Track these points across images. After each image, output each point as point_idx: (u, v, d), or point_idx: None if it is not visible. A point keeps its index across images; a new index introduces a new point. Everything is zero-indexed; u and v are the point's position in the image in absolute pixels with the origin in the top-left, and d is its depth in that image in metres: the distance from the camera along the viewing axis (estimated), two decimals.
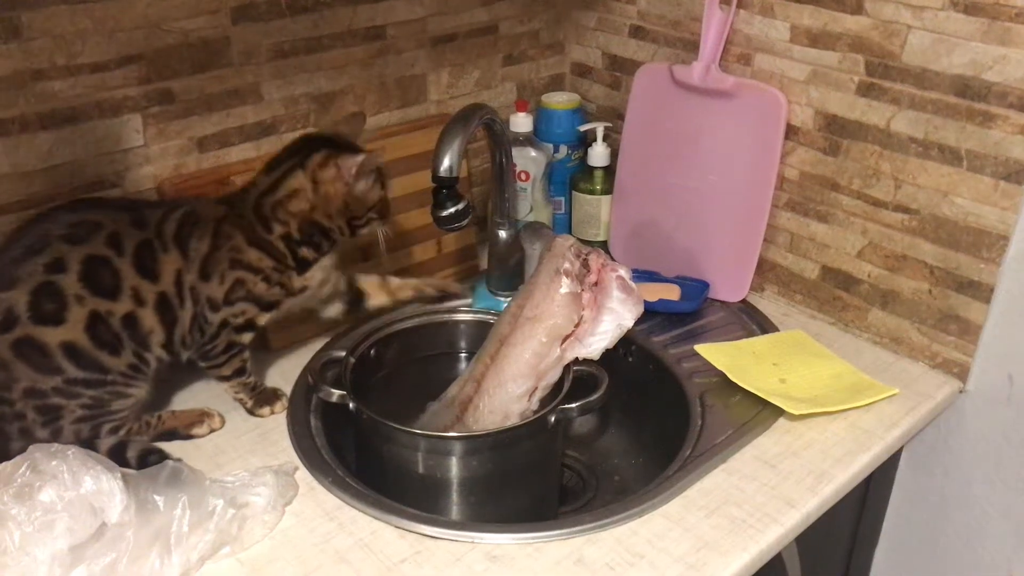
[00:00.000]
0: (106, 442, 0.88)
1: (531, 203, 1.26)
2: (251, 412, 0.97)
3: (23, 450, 0.81)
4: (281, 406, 0.98)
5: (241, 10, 0.99)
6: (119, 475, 0.75)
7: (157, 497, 0.75)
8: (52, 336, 0.82)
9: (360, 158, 0.89)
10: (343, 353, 0.95)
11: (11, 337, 0.81)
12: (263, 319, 0.93)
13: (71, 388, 0.84)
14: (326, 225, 0.92)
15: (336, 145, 0.91)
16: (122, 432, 0.90)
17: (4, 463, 0.74)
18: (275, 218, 0.90)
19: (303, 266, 0.93)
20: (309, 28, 1.05)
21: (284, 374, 1.04)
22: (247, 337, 0.94)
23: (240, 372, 0.96)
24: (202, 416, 0.95)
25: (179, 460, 0.83)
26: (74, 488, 0.72)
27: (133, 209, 0.88)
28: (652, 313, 1.12)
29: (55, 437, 0.86)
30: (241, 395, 0.97)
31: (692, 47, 1.16)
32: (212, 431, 0.94)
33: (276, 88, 1.06)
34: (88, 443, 0.87)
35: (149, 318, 0.86)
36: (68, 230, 0.83)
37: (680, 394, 1.03)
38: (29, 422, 0.85)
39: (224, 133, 1.04)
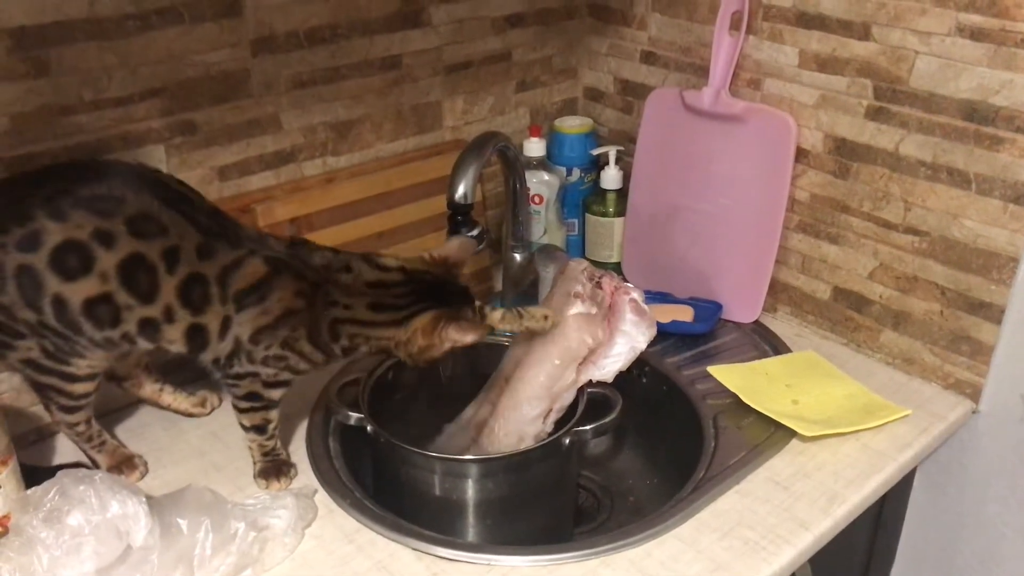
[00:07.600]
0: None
1: (545, 225, 1.28)
2: (255, 474, 0.93)
3: None
4: (285, 483, 0.92)
5: (261, 42, 1.02)
6: (144, 499, 0.76)
7: (181, 520, 0.77)
8: (54, 285, 0.79)
9: (470, 334, 0.85)
10: (361, 375, 0.96)
11: (23, 259, 0.78)
12: (292, 381, 0.90)
13: (40, 329, 0.81)
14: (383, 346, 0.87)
15: (448, 296, 0.86)
16: (72, 416, 0.89)
17: (34, 488, 0.75)
18: (348, 340, 0.86)
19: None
20: (327, 59, 1.08)
21: (303, 395, 1.05)
22: (275, 393, 0.89)
23: (259, 430, 0.91)
24: (131, 461, 0.93)
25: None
26: (101, 512, 0.74)
27: (207, 233, 0.83)
28: (665, 334, 1.13)
29: None
30: (253, 451, 0.93)
31: (702, 72, 1.17)
32: (141, 478, 0.93)
33: (295, 117, 1.08)
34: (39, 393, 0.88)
35: (174, 333, 0.84)
36: (135, 214, 0.79)
37: (693, 415, 1.04)
38: None
39: (244, 162, 1.06)
